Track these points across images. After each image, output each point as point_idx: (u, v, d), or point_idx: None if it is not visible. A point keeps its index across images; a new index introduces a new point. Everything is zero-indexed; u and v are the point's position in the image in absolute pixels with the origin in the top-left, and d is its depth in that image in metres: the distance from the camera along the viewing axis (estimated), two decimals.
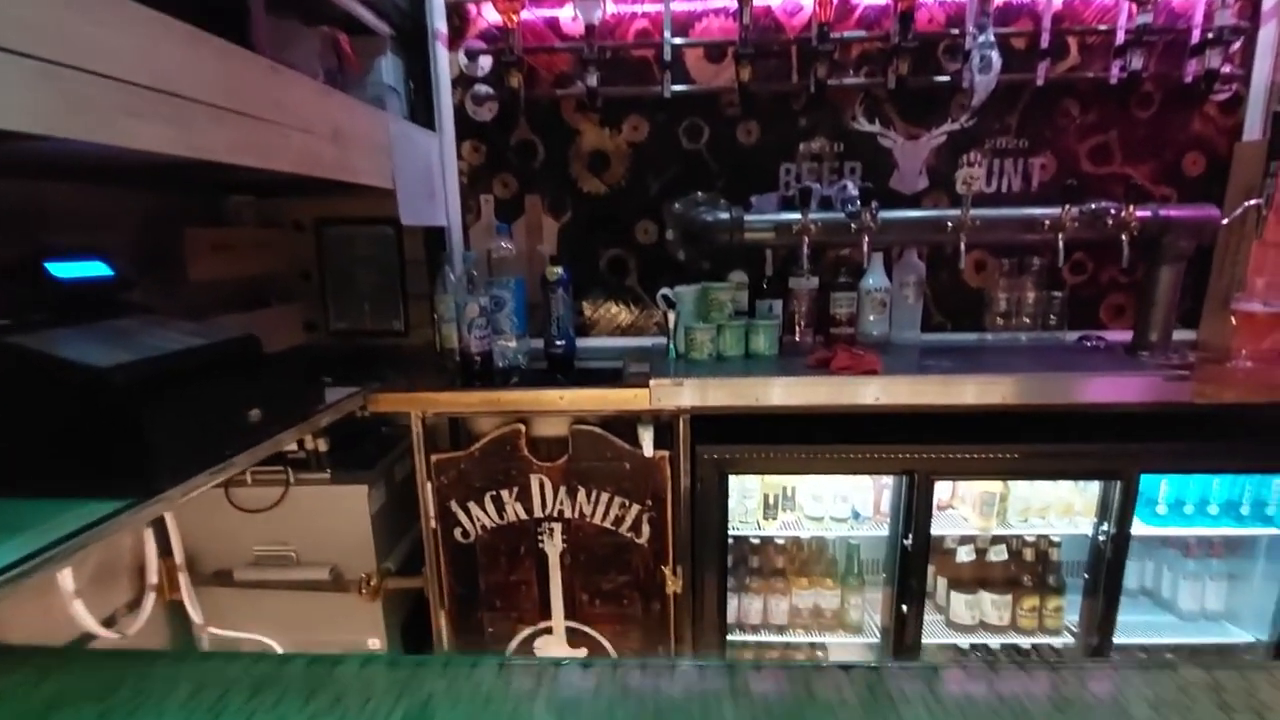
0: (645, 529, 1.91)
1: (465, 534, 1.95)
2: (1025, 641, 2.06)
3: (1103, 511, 1.88)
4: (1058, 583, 2.03)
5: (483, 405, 1.84)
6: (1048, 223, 1.88)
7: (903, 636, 1.95)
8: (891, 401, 1.75)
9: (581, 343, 2.34)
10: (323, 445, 2.07)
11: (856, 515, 1.99)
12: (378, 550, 2.05)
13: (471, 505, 1.92)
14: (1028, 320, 2.22)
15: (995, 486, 1.92)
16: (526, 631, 2.03)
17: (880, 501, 1.99)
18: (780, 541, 2.07)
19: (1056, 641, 2.05)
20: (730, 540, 1.94)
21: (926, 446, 1.79)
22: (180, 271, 1.91)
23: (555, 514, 1.92)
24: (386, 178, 1.80)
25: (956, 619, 2.08)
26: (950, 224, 1.89)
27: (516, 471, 1.90)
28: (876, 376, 1.75)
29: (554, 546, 1.94)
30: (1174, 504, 2.00)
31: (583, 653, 2.04)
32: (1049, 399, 1.76)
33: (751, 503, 2.01)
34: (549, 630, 2.02)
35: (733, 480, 1.87)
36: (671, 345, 2.08)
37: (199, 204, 2.08)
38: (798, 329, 2.19)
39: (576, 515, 1.91)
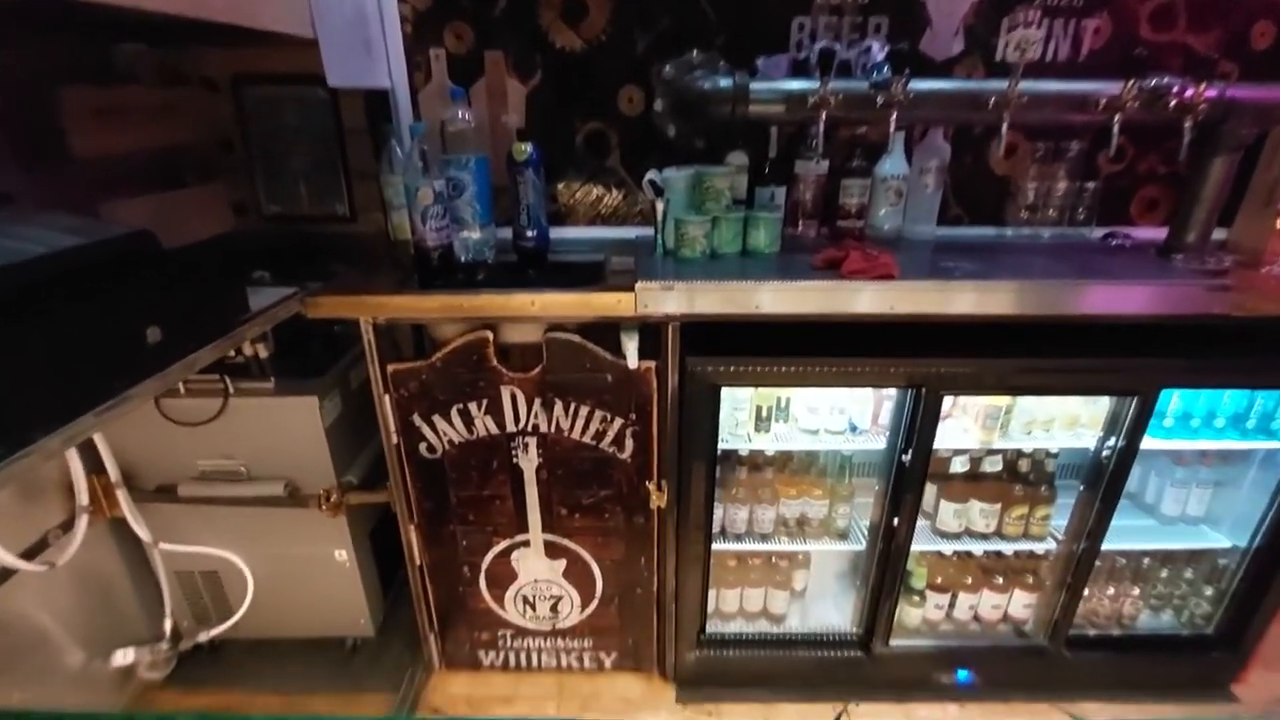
0: (628, 444, 1.77)
1: (431, 449, 1.78)
2: (1008, 548, 2.05)
3: (1112, 426, 1.78)
4: (1049, 493, 1.98)
5: (442, 311, 1.60)
6: (1103, 101, 1.60)
7: (891, 545, 1.91)
8: (908, 311, 1.56)
9: (556, 233, 2.06)
10: (263, 350, 1.83)
11: (854, 428, 1.87)
12: (336, 464, 1.89)
13: (436, 419, 1.74)
14: (1053, 214, 2.00)
15: (1002, 400, 1.79)
16: (503, 545, 1.94)
17: (880, 413, 1.86)
18: (770, 454, 1.96)
19: (1039, 547, 2.04)
20: (719, 452, 1.82)
21: (938, 359, 1.63)
22: (59, 145, 1.55)
23: (529, 428, 1.75)
24: (304, 23, 1.43)
25: (943, 526, 2.04)
26: (993, 100, 1.60)
27: (485, 383, 1.70)
28: (893, 282, 1.55)
29: (529, 461, 1.80)
30: (1181, 417, 1.92)
31: (562, 564, 1.97)
32: (1078, 310, 1.58)
33: (742, 414, 1.87)
34: (526, 544, 1.93)
35: (724, 391, 1.71)
36: (659, 239, 1.82)
37: (78, 54, 1.66)
38: (801, 221, 1.94)
39: (553, 429, 1.75)
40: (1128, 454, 1.74)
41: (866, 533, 2.04)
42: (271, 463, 1.88)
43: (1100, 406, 1.83)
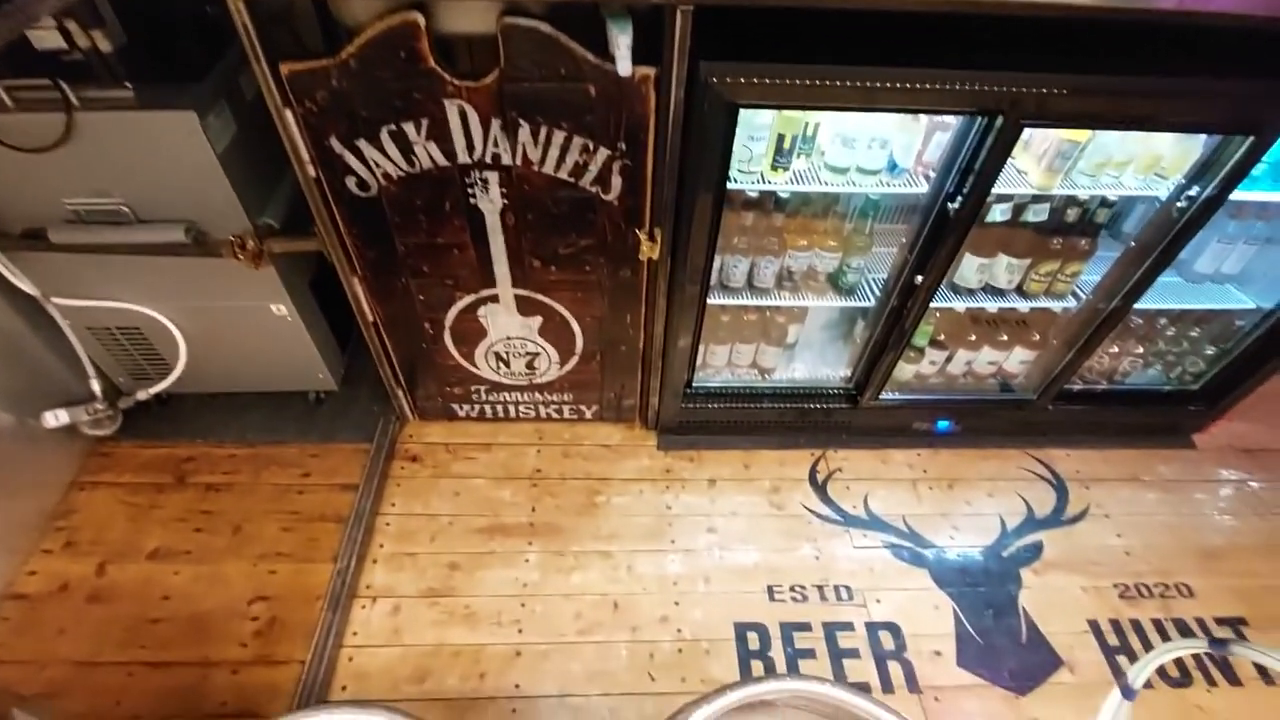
0: (615, 182, 1.41)
1: (362, 185, 1.40)
2: (1024, 305, 1.88)
3: (1200, 172, 1.47)
4: (1089, 246, 1.75)
5: None
6: None
7: (906, 303, 1.72)
8: None
9: None
10: (103, 41, 1.32)
11: (893, 167, 1.52)
12: (245, 203, 1.51)
13: (363, 145, 1.32)
14: None
15: (1081, 134, 1.44)
16: (467, 299, 1.68)
17: (927, 150, 1.50)
18: (784, 196, 1.63)
19: (1057, 305, 1.88)
20: (725, 196, 1.48)
21: (1030, 75, 1.23)
22: None
23: (488, 160, 1.36)
24: None
25: (961, 281, 1.84)
26: None
27: (422, 94, 1.25)
28: None
29: (490, 203, 1.44)
30: (1274, 164, 1.59)
31: (537, 322, 1.74)
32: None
33: (759, 146, 1.48)
34: (494, 299, 1.68)
35: (740, 114, 1.31)
36: None
37: None
38: None
39: (519, 162, 1.36)
40: (1211, 206, 1.47)
41: (879, 288, 1.83)
42: (161, 201, 1.48)
43: (1192, 146, 1.50)
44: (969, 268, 1.80)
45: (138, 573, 1.77)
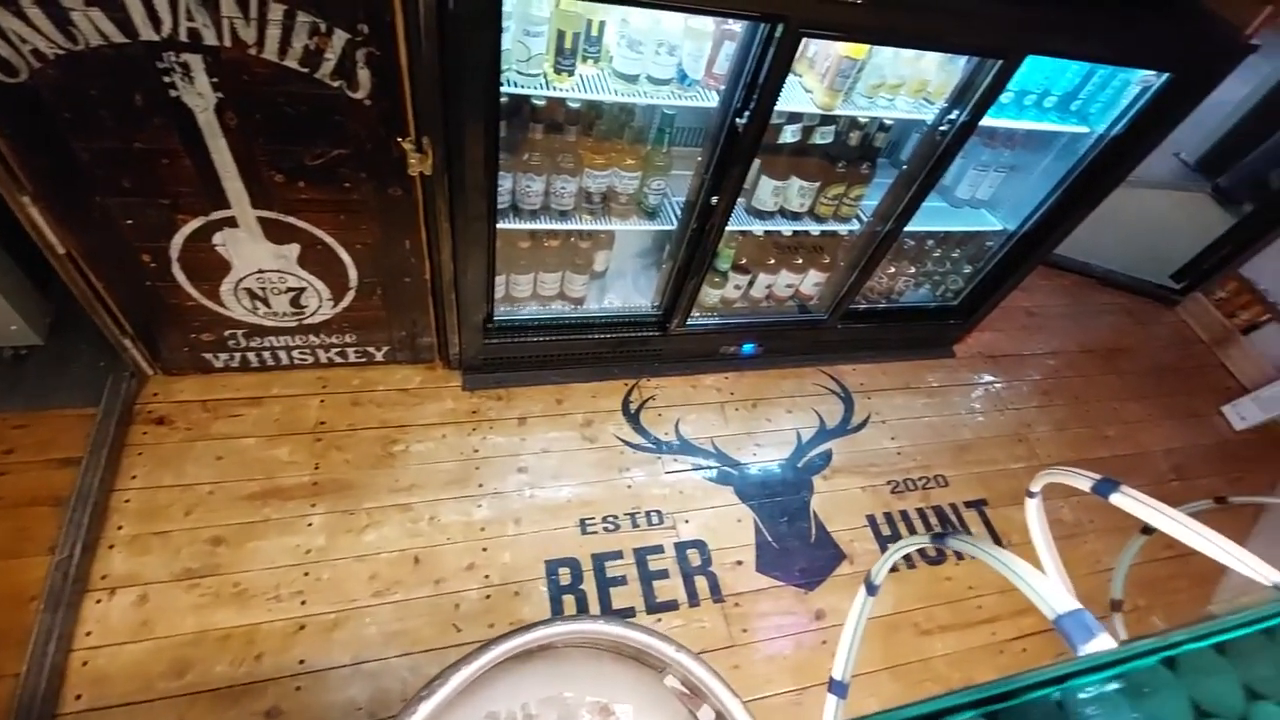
0: (363, 76, 1.18)
1: (6, 67, 1.03)
2: (816, 228, 1.95)
3: (959, 96, 1.56)
4: (869, 171, 1.83)
5: None
6: None
7: (705, 225, 1.69)
8: None
9: None
10: None
11: (683, 78, 1.43)
12: None
13: None
14: None
15: (860, 53, 1.45)
16: (195, 223, 1.37)
17: (717, 60, 1.43)
18: (575, 106, 1.49)
19: (844, 229, 1.97)
20: (504, 99, 1.32)
21: None
22: None
23: (184, 38, 1.06)
24: None
25: (759, 204, 1.85)
26: None
27: None
28: None
29: (200, 98, 1.14)
30: (1017, 94, 1.75)
31: (294, 250, 1.48)
32: None
33: (538, 44, 1.31)
34: (231, 223, 1.38)
35: (512, 5, 1.14)
36: None
37: None
38: None
39: (228, 43, 1.08)
40: (967, 131, 1.58)
41: (680, 211, 1.78)
42: None
43: (954, 72, 1.58)
44: (765, 190, 1.81)
45: None
